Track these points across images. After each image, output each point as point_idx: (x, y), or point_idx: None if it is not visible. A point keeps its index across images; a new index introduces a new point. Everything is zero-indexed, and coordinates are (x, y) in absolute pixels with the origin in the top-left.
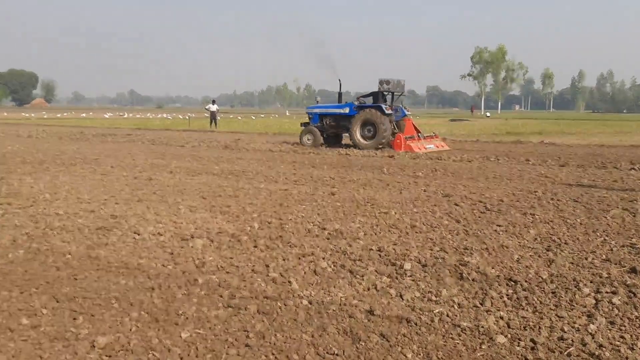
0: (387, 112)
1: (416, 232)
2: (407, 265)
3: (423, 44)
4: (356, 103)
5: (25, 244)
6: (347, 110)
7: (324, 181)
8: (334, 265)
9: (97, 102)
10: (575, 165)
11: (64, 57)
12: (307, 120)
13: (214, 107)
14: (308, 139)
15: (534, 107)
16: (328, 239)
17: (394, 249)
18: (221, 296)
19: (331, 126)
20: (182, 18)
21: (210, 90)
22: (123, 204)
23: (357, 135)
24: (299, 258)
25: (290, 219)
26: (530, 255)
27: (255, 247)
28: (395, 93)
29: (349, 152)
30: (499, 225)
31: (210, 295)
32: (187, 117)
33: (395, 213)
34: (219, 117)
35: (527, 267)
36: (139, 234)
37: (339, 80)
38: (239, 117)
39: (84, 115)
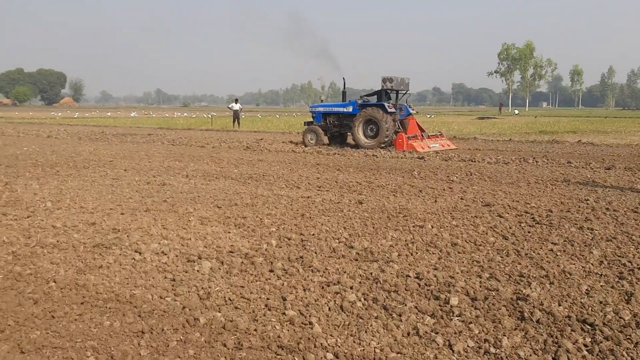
0: (389, 110)
1: (459, 252)
2: (454, 300)
3: (449, 40)
4: (359, 101)
5: (7, 266)
6: (350, 109)
7: (350, 187)
8: (365, 299)
9: (125, 101)
10: (622, 167)
11: (92, 56)
12: (310, 119)
13: (236, 106)
14: (311, 139)
15: (562, 104)
16: (356, 260)
17: (435, 276)
18: (225, 345)
19: (334, 125)
20: (207, 17)
21: (236, 89)
22: (129, 214)
23: (360, 134)
24: (323, 287)
25: (313, 234)
26: (602, 286)
27: (271, 271)
28: (400, 91)
29: (376, 154)
30: (554, 244)
31: (212, 343)
32: (209, 116)
33: (432, 227)
34: (242, 116)
35: (601, 303)
36: (139, 253)
37: (343, 78)
38: (259, 116)
39: (109, 114)
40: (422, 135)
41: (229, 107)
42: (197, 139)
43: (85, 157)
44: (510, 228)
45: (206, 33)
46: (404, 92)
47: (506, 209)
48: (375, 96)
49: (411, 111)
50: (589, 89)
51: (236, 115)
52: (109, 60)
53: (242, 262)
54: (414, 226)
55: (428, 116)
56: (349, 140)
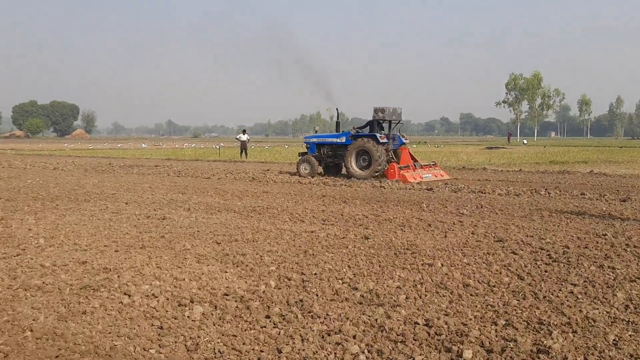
0: (381, 140)
1: (471, 295)
2: (468, 353)
3: (457, 70)
4: (352, 132)
5: None
6: (343, 139)
7: (356, 220)
8: (368, 351)
9: (136, 132)
10: (638, 199)
11: (105, 88)
12: (305, 150)
13: (244, 137)
14: (305, 169)
15: (570, 133)
16: (360, 304)
17: (446, 323)
18: None
19: (328, 156)
20: (217, 49)
21: (246, 119)
22: (123, 251)
23: (352, 164)
24: (323, 337)
25: (315, 274)
26: (630, 336)
27: (267, 317)
28: (392, 121)
29: (384, 185)
30: (574, 285)
31: None
32: (217, 147)
33: (442, 265)
34: (252, 147)
35: (632, 356)
36: (128, 296)
37: (337, 109)
38: (267, 146)
39: (120, 145)
40: (415, 165)
41: (236, 138)
42: (204, 170)
43: (88, 189)
44: (525, 267)
45: (215, 65)
46: (397, 121)
47: (520, 244)
48: (368, 127)
49: (404, 141)
50: (597, 119)
51: (244, 146)
52: (120, 92)
53: (237, 307)
54: (422, 264)
55: (436, 146)
56: (344, 170)
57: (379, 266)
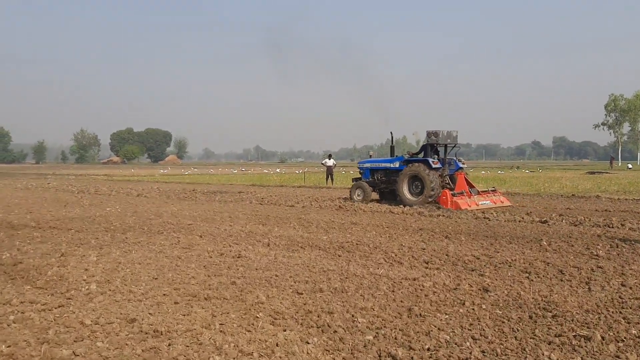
0: (434, 166)
1: None
2: None
3: (548, 92)
4: (406, 157)
5: None
6: (397, 164)
7: (466, 263)
8: None
9: (225, 157)
10: None
11: (196, 115)
12: (359, 175)
13: (330, 162)
14: (358, 195)
15: None
16: None
17: None
18: None
19: (382, 181)
20: (297, 74)
21: (331, 144)
22: (184, 304)
23: (405, 190)
24: None
25: (428, 349)
26: None
27: None
28: (448, 145)
29: (488, 216)
30: None
31: None
32: (301, 172)
33: (603, 338)
34: (343, 172)
35: None
36: None
37: (391, 132)
38: (351, 172)
39: (211, 170)
40: (471, 192)
41: (322, 163)
42: (288, 197)
43: (165, 219)
44: None
45: (299, 89)
46: (452, 145)
47: None
48: (422, 152)
49: (461, 165)
50: None
51: (329, 172)
52: (211, 119)
53: None
54: (576, 337)
55: (531, 171)
56: None
57: (515, 338)
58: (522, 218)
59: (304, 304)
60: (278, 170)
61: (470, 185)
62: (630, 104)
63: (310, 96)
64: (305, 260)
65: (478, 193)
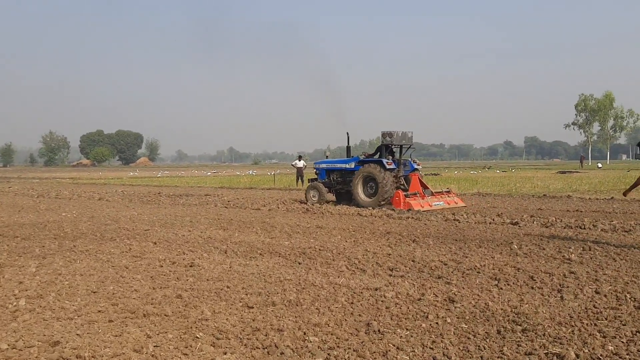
0: (388, 166)
1: None
2: None
3: (520, 93)
4: (361, 157)
5: None
6: (352, 165)
7: (433, 269)
8: None
9: (199, 159)
10: None
11: (167, 117)
12: (315, 176)
13: (300, 163)
14: (313, 196)
15: None
16: None
17: None
18: None
19: (338, 182)
20: (273, 74)
21: (306, 145)
22: (119, 322)
23: (359, 191)
24: None
25: None
26: None
27: None
28: (403, 146)
29: (458, 218)
30: None
31: None
32: (272, 174)
33: (578, 355)
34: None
35: None
36: None
37: (347, 133)
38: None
39: (182, 173)
40: (424, 193)
41: (292, 165)
42: (255, 200)
43: (121, 224)
44: None
45: (272, 90)
46: (407, 146)
47: None
48: (378, 152)
49: (415, 166)
50: None
51: (300, 173)
52: (183, 121)
53: None
54: (547, 354)
55: (502, 171)
56: None
57: (481, 358)
58: (493, 220)
59: (253, 320)
60: (250, 172)
61: (424, 187)
62: (599, 104)
63: (284, 96)
64: (262, 269)
65: (432, 194)
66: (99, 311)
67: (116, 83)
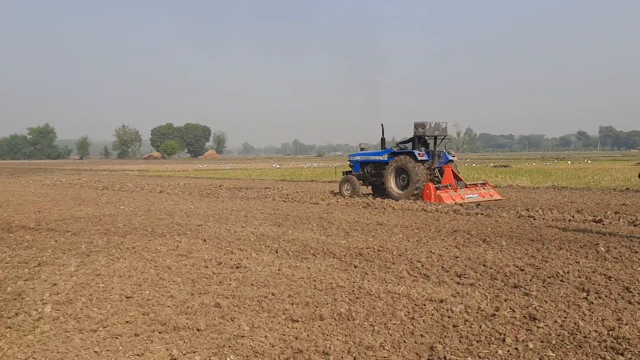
0: (419, 158)
1: None
2: None
3: (596, 82)
4: (395, 149)
5: None
6: (385, 157)
7: (508, 277)
8: None
9: (264, 151)
10: None
11: (235, 110)
12: (349, 169)
13: None
14: (347, 189)
15: None
16: None
17: None
18: None
19: (372, 174)
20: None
21: (369, 137)
22: (144, 338)
23: (391, 184)
24: None
25: None
26: None
27: None
28: (437, 137)
29: (532, 214)
30: None
31: None
32: (334, 167)
33: None
34: None
35: None
36: None
37: (382, 124)
38: None
39: (245, 165)
40: (458, 185)
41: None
42: (315, 194)
43: (175, 219)
44: None
45: (334, 85)
46: (442, 137)
47: None
48: (411, 143)
49: (450, 157)
50: None
51: None
52: (250, 113)
53: None
54: None
55: (571, 163)
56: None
57: None
58: (572, 216)
59: (295, 339)
60: (315, 164)
61: (458, 179)
62: None
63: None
64: (313, 273)
65: (465, 186)
66: (127, 322)
67: (185, 76)
